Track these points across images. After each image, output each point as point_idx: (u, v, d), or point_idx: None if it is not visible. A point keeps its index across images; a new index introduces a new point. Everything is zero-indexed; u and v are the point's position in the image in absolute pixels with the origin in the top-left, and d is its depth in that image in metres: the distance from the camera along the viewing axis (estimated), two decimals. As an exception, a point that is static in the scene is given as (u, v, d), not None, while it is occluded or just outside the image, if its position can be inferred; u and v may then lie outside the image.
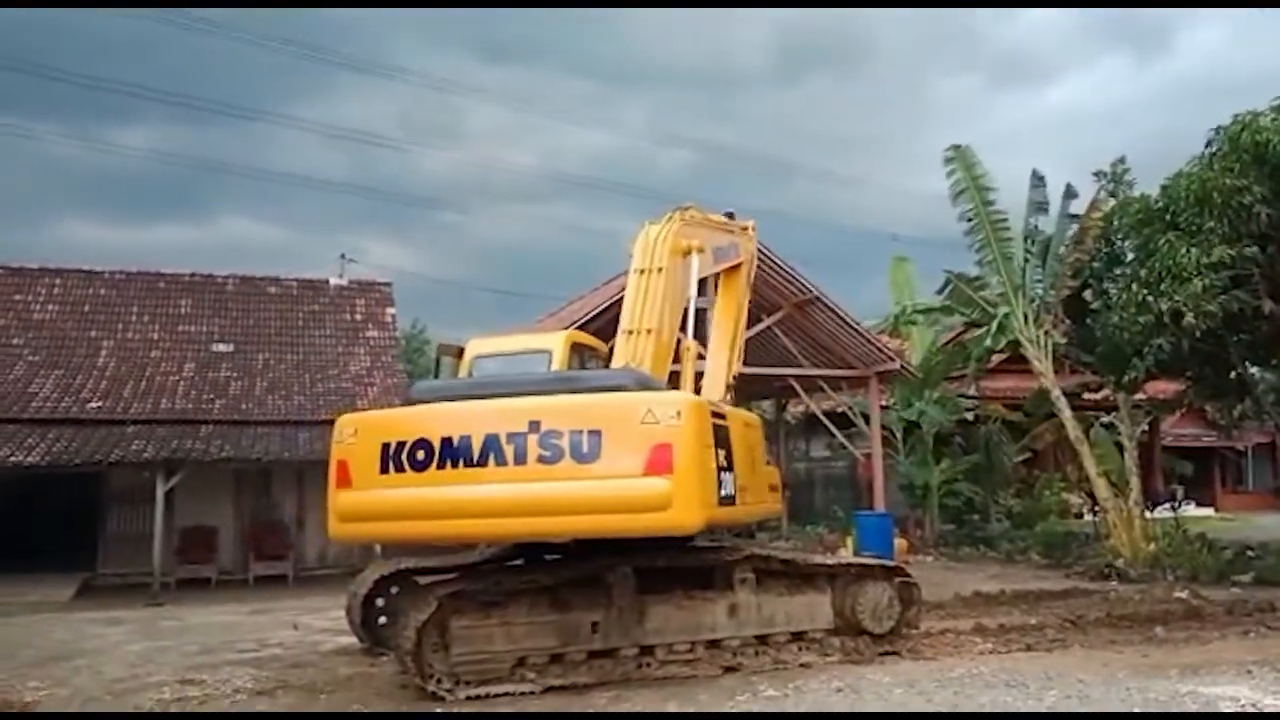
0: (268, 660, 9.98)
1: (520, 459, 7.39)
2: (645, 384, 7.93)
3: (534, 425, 7.42)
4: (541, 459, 7.37)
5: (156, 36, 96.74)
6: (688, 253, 9.63)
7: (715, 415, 7.98)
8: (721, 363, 11.28)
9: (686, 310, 9.65)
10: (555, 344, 9.24)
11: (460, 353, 9.65)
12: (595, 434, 7.31)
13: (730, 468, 7.95)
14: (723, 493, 7.75)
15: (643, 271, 9.38)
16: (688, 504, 7.26)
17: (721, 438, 7.89)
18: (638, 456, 7.22)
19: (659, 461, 7.18)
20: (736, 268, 11.71)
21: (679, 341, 9.56)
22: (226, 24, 77.50)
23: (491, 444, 7.47)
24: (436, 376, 10.14)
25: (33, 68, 75.27)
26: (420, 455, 7.66)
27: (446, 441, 7.61)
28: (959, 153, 18.51)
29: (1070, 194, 18.39)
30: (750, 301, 19.99)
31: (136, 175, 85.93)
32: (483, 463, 7.48)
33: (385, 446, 7.78)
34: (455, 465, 7.57)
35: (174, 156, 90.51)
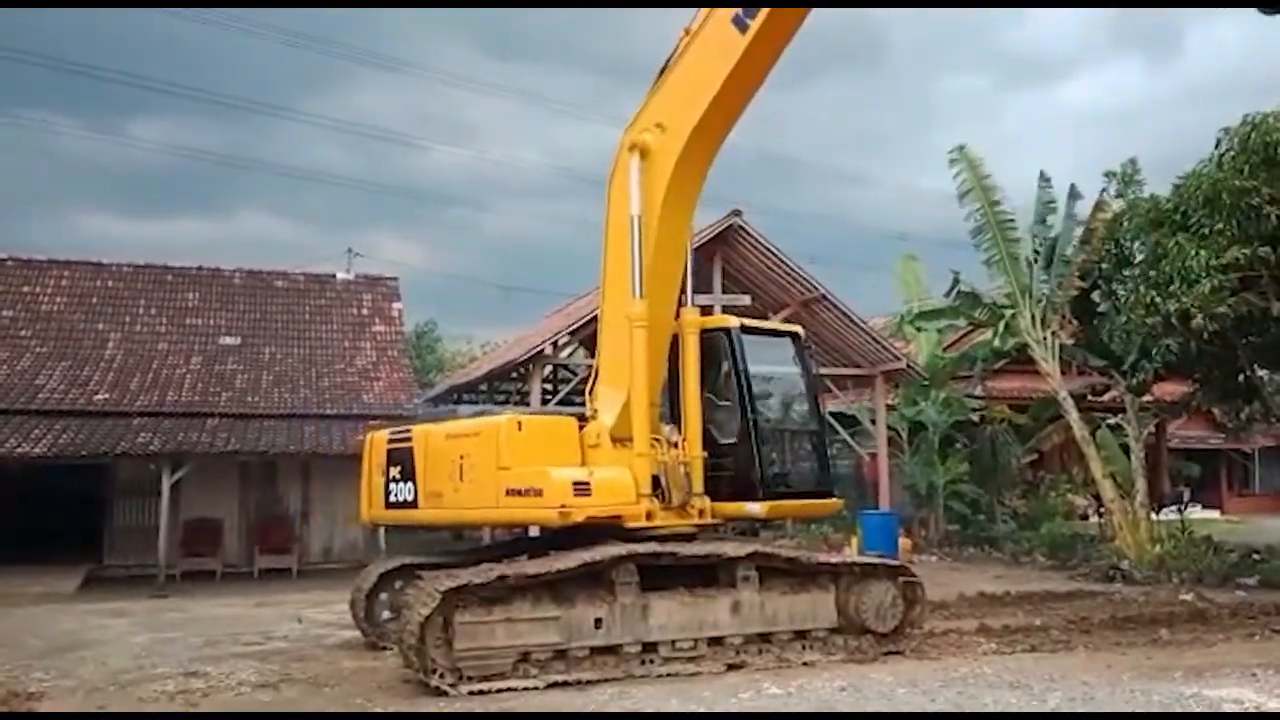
0: (271, 653, 10.00)
1: None
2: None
3: None
4: None
5: (174, 32, 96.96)
6: (646, 154, 9.23)
7: (397, 439, 10.40)
8: None
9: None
10: None
11: None
12: None
13: (407, 479, 10.07)
14: (392, 499, 10.29)
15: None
16: (362, 505, 10.96)
17: (395, 457, 10.30)
18: None
19: None
20: None
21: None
22: (243, 19, 77.67)
23: None
24: None
25: (53, 62, 75.21)
26: None
27: None
28: (963, 154, 18.49)
29: (1075, 194, 18.33)
30: (756, 300, 20.14)
31: (155, 170, 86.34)
32: None
33: None
34: None
35: (192, 151, 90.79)
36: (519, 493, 8.77)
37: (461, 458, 9.34)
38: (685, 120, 9.03)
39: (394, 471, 10.25)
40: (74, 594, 15.22)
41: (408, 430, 10.47)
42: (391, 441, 10.48)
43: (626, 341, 9.12)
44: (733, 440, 9.70)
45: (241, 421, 18.32)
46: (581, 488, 8.56)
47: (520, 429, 9.05)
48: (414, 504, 9.97)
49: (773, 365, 10.25)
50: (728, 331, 9.84)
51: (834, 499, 10.50)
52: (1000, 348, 20.10)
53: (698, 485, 9.29)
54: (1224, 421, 21.44)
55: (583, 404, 9.86)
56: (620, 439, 9.13)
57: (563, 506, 8.43)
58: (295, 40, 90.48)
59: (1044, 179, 18.59)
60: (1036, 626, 10.73)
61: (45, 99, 77.91)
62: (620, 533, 8.68)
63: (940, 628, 10.46)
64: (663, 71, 9.39)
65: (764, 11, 8.49)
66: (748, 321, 10.36)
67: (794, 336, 10.66)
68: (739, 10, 8.67)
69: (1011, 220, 18.30)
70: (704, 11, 9.10)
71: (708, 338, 9.77)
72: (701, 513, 9.31)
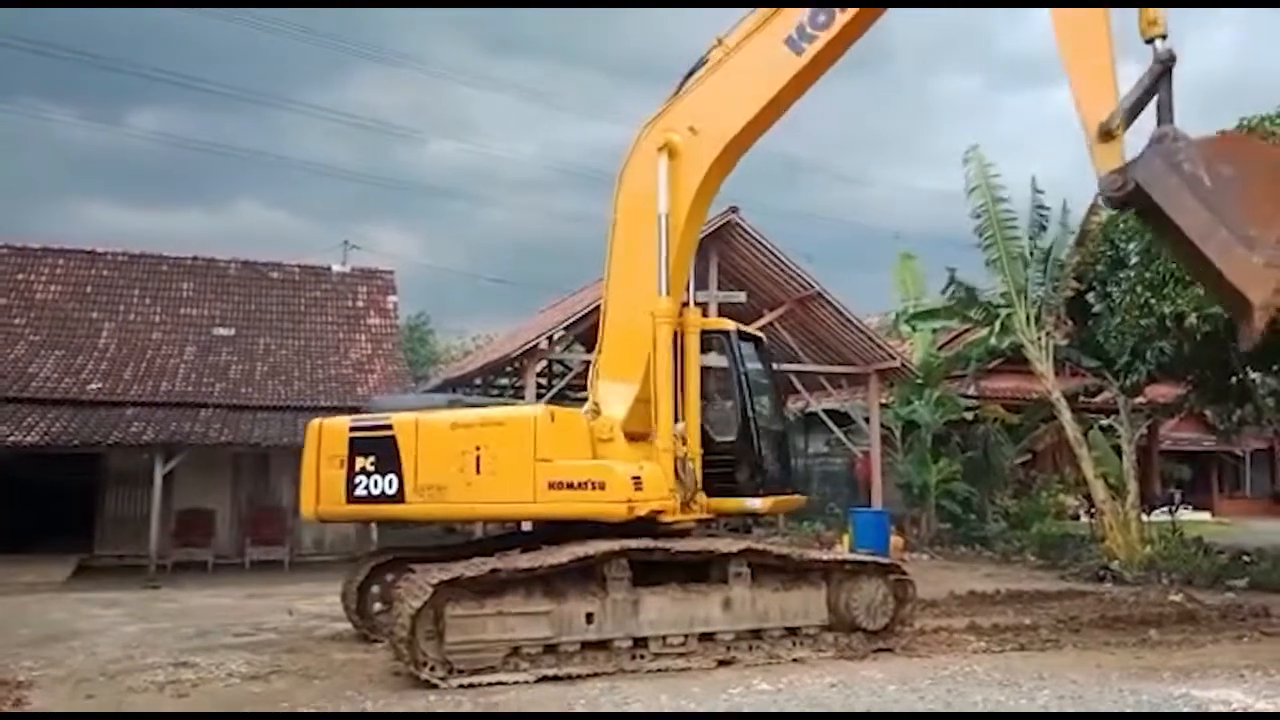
0: (262, 645, 9.99)
1: None
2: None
3: None
4: None
5: (171, 22, 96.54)
6: (674, 154, 9.22)
7: (365, 428, 9.50)
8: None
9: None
10: None
11: None
12: None
13: (386, 471, 9.21)
14: (358, 493, 9.33)
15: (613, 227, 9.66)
16: (304, 501, 9.78)
17: (365, 447, 9.36)
18: None
19: None
20: None
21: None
22: (243, 11, 77.42)
23: None
24: None
25: (49, 50, 74.80)
26: None
27: None
28: (975, 153, 18.57)
29: (1065, 210, 18.42)
30: (752, 297, 20.16)
31: (152, 160, 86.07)
32: None
33: None
34: None
35: (189, 142, 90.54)
36: (569, 486, 8.58)
37: (479, 448, 8.90)
38: (723, 128, 9.18)
39: (364, 463, 9.38)
40: (65, 583, 15.21)
41: (384, 418, 9.63)
42: (357, 430, 9.60)
43: (635, 335, 9.17)
44: (731, 438, 9.83)
45: (235, 412, 18.31)
46: (637, 482, 8.59)
47: (553, 420, 8.94)
48: (398, 498, 9.22)
49: (752, 366, 10.44)
50: (727, 334, 10.03)
51: (800, 495, 11.33)
52: (995, 346, 20.14)
53: (699, 481, 9.37)
54: (1216, 424, 21.56)
55: (576, 399, 9.88)
56: (632, 434, 9.16)
57: (629, 501, 8.43)
58: (290, 31, 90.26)
59: (1037, 188, 18.58)
60: (1026, 625, 10.76)
61: (41, 87, 77.62)
62: (654, 528, 8.74)
63: (930, 625, 10.48)
64: (691, 73, 9.48)
65: (831, 30, 8.75)
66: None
67: (758, 341, 10.90)
68: (792, 33, 8.88)
69: (1013, 219, 18.32)
70: (753, 20, 9.23)
71: (704, 338, 9.88)
72: (701, 508, 9.41)
